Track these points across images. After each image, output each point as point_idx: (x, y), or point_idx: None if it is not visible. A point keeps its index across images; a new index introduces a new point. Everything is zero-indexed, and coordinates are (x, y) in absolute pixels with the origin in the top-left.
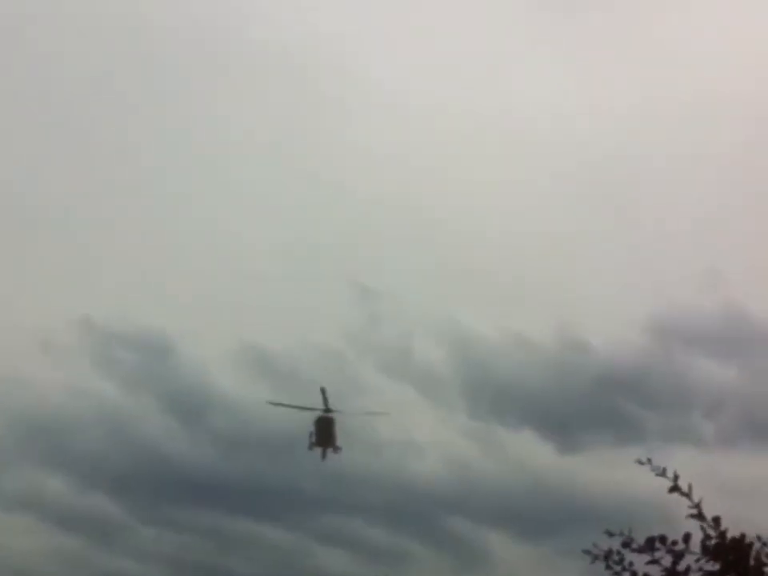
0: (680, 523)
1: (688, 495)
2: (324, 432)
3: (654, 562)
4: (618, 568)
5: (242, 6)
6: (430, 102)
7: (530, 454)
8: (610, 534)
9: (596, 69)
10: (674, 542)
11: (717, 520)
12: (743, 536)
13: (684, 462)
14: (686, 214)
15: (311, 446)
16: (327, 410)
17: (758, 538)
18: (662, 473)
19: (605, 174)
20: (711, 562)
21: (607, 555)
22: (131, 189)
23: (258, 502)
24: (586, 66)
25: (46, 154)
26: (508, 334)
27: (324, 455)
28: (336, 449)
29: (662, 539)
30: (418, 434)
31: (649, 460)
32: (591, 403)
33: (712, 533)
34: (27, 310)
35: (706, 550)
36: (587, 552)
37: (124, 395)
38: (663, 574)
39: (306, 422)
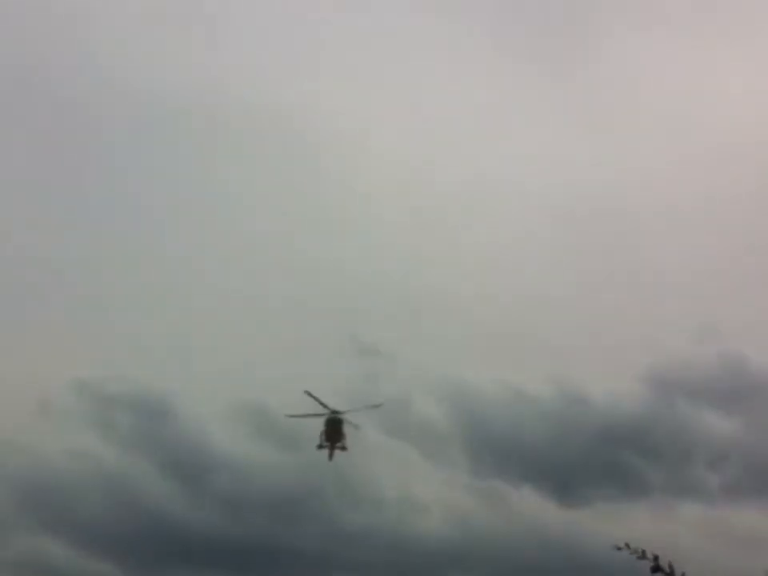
0: None
1: (671, 573)
2: (333, 430)
3: None
4: None
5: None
6: (427, 162)
7: (532, 509)
8: None
9: (589, 123)
10: None
11: None
12: None
13: (689, 514)
14: (683, 268)
15: (320, 446)
16: (336, 411)
17: None
18: (642, 555)
19: (602, 228)
20: None
21: None
22: (128, 252)
23: (262, 561)
24: (580, 120)
25: (42, 218)
26: (507, 390)
27: (331, 455)
28: (343, 448)
29: None
30: (419, 491)
31: (627, 545)
32: (593, 457)
33: None
34: (24, 374)
35: None
36: None
37: (123, 457)
38: None
39: (308, 481)
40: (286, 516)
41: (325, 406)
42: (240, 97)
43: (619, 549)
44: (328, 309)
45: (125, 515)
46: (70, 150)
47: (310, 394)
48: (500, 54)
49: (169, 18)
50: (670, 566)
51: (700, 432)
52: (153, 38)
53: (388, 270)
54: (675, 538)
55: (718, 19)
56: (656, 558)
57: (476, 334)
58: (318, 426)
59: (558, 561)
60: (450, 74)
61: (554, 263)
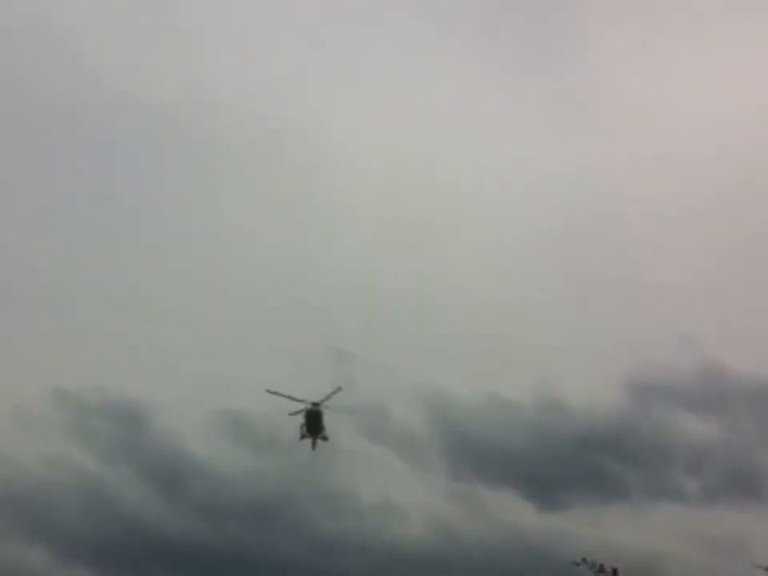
0: None
1: None
2: (313, 423)
3: None
4: None
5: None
6: (412, 167)
7: (511, 513)
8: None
9: (568, 130)
10: None
11: None
12: None
13: (667, 517)
14: (662, 275)
15: (302, 437)
16: (315, 404)
17: None
18: (600, 569)
19: (581, 238)
20: None
21: None
22: (106, 261)
23: (240, 569)
24: (560, 127)
25: (23, 226)
26: (486, 395)
27: (314, 445)
28: (324, 438)
29: None
30: (398, 497)
31: (584, 560)
32: (571, 461)
33: None
34: (1, 382)
35: None
36: None
37: (101, 466)
38: None
39: (286, 488)
40: (264, 523)
41: (293, 399)
42: (232, 102)
43: (577, 564)
44: (305, 315)
45: (103, 523)
46: (64, 159)
47: (273, 392)
48: (495, 58)
49: (160, 27)
50: None
51: (678, 436)
52: (146, 47)
53: (366, 275)
54: (653, 541)
55: (713, 18)
56: (615, 570)
57: (454, 339)
58: (297, 418)
59: (537, 565)
60: (442, 77)
61: (533, 270)
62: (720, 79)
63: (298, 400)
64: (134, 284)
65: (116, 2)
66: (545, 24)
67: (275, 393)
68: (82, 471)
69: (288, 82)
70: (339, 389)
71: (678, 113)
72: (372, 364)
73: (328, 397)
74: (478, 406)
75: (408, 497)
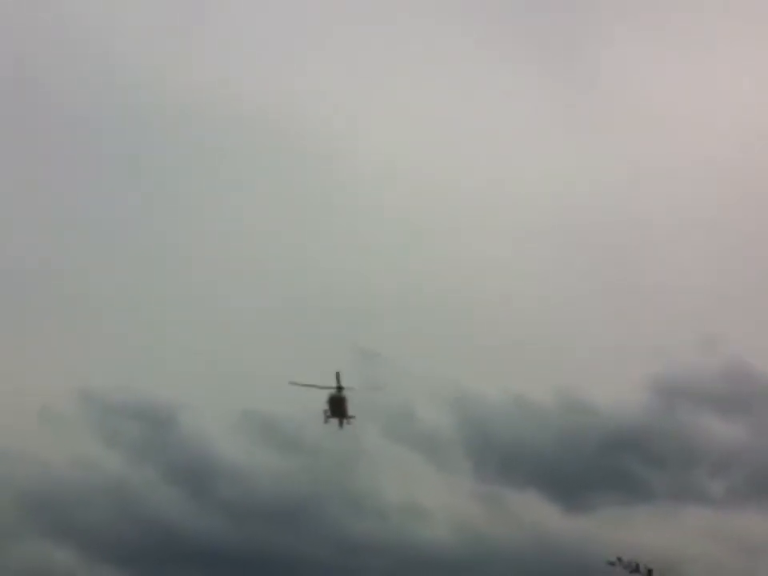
0: None
1: None
2: (336, 408)
3: None
4: None
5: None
6: (432, 169)
7: (537, 515)
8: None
9: (592, 136)
10: None
11: None
12: None
13: (693, 519)
14: (687, 275)
15: (326, 420)
16: (339, 388)
17: None
18: (635, 569)
19: (606, 238)
20: None
21: None
22: (132, 262)
23: (265, 569)
24: (585, 126)
25: (45, 225)
26: (511, 397)
27: (341, 424)
28: (349, 419)
29: None
30: (423, 498)
31: (619, 559)
32: (596, 463)
33: None
34: (28, 383)
35: None
36: None
37: (128, 466)
38: None
39: (312, 488)
40: (289, 524)
41: (316, 387)
42: (241, 99)
43: (612, 564)
44: (330, 316)
45: (129, 523)
46: (71, 157)
47: (296, 383)
48: (501, 61)
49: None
50: None
51: (704, 438)
52: (158, 47)
53: (391, 276)
54: (680, 543)
55: (727, 25)
56: (650, 571)
57: (480, 340)
58: (321, 398)
59: (563, 567)
60: (450, 80)
61: (558, 270)
62: (734, 84)
63: (321, 387)
64: (160, 285)
65: (131, 6)
66: (554, 26)
67: (298, 384)
68: (108, 472)
69: (303, 84)
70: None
71: (692, 117)
72: (398, 365)
73: (338, 379)
74: (504, 408)
75: (433, 498)
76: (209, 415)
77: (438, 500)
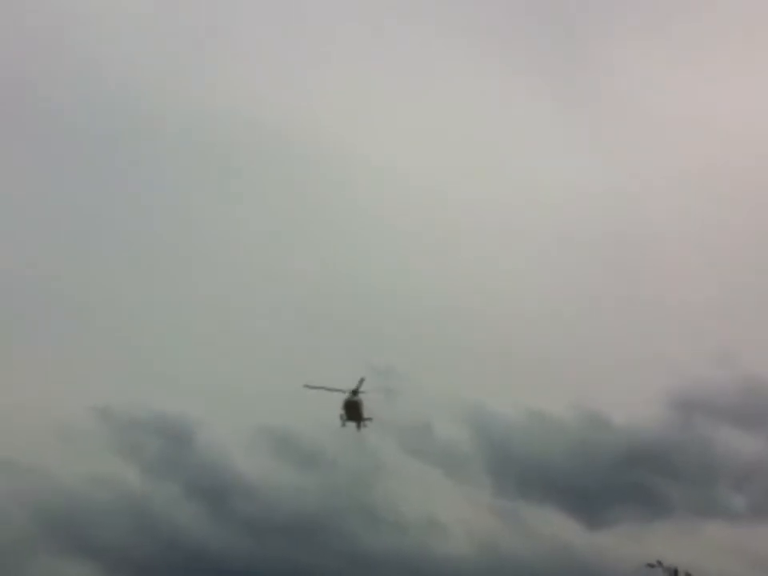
0: None
1: None
2: (352, 412)
3: None
4: None
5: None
6: (445, 184)
7: (556, 530)
8: None
9: (604, 144)
10: None
11: None
12: None
13: (714, 534)
14: (702, 290)
15: (343, 423)
16: (355, 392)
17: None
18: (674, 573)
19: (622, 252)
20: None
21: None
22: (149, 279)
23: None
24: (596, 141)
25: (62, 244)
26: (528, 412)
27: (358, 427)
28: (365, 421)
29: None
30: (441, 513)
31: (659, 562)
32: (616, 478)
33: None
34: (46, 400)
35: None
36: None
37: (146, 482)
38: None
39: (330, 503)
40: (308, 539)
41: (331, 390)
42: (248, 116)
43: (652, 566)
44: (348, 332)
45: (147, 539)
46: (81, 172)
47: (311, 386)
48: (512, 76)
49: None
50: None
51: (723, 452)
52: (172, 62)
53: (408, 292)
54: (700, 558)
55: (742, 36)
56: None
57: (497, 356)
58: (337, 400)
59: None
60: (473, 94)
61: (574, 286)
62: (749, 96)
63: (336, 390)
64: (177, 303)
65: (144, 21)
66: (576, 42)
67: (313, 387)
68: (127, 488)
69: (318, 100)
70: (363, 379)
71: (702, 124)
72: (415, 381)
73: (359, 386)
74: (521, 423)
75: (451, 513)
76: (227, 431)
77: (456, 515)
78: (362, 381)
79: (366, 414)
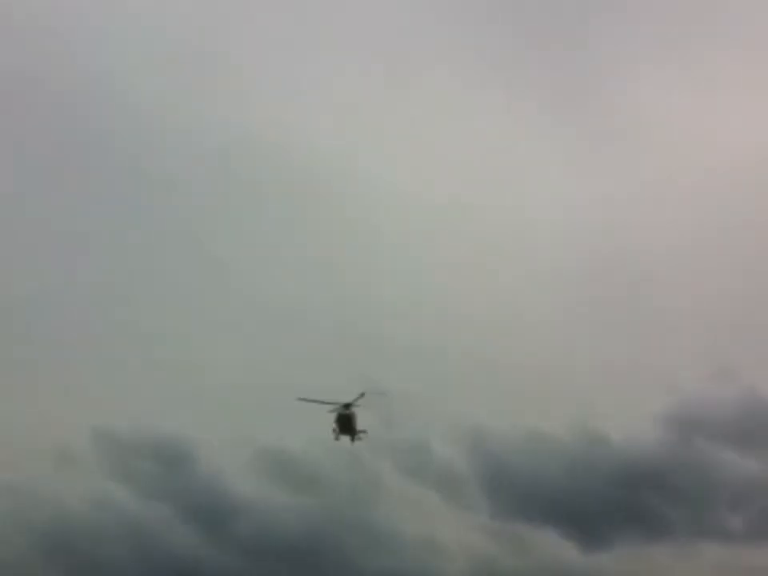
0: None
1: None
2: (345, 425)
3: None
4: None
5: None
6: (438, 202)
7: (554, 551)
8: None
9: (598, 163)
10: None
11: None
12: None
13: (712, 555)
14: (698, 308)
15: (337, 437)
16: (347, 405)
17: None
18: None
19: (618, 270)
20: None
21: None
22: (146, 300)
23: None
24: (590, 160)
25: (56, 263)
26: (525, 431)
27: (352, 440)
28: (359, 434)
29: None
30: (439, 534)
31: None
32: (613, 498)
33: None
34: (43, 423)
35: None
36: None
37: (145, 505)
38: None
39: (329, 525)
40: (306, 560)
41: (324, 403)
42: (254, 138)
43: None
44: (343, 353)
45: (145, 560)
46: (94, 195)
47: (304, 399)
48: (516, 95)
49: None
50: None
51: (721, 472)
52: (183, 83)
53: (403, 312)
54: None
55: (745, 55)
56: None
57: (494, 375)
58: (329, 416)
59: None
60: (477, 114)
61: (570, 305)
62: (754, 113)
63: (329, 403)
64: (173, 323)
65: (153, 42)
66: (578, 63)
67: (307, 400)
68: (123, 509)
69: (327, 119)
70: (363, 394)
71: (711, 146)
72: (411, 401)
73: (356, 399)
74: (519, 443)
75: (449, 534)
76: (224, 453)
77: (454, 536)
78: (361, 395)
79: (359, 427)
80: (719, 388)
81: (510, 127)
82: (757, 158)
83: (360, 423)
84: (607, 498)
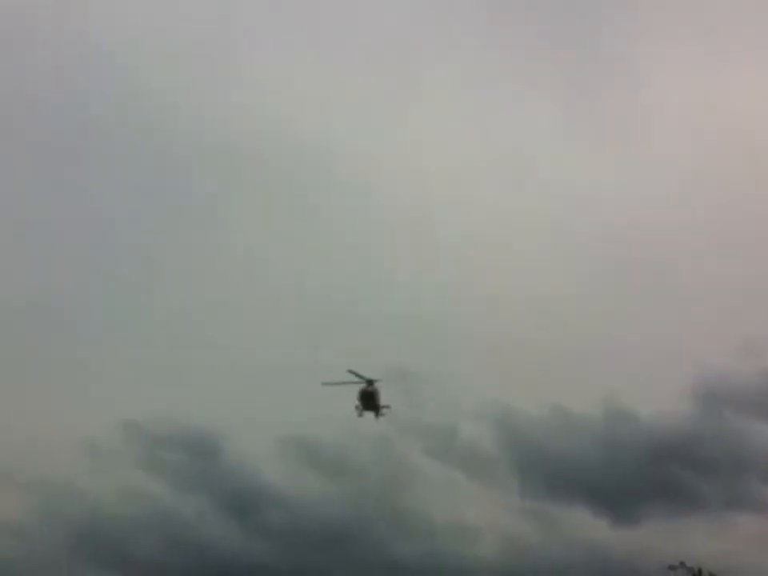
0: None
1: None
2: (368, 401)
3: None
4: None
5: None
6: (466, 193)
7: (585, 529)
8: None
9: (618, 140)
10: None
11: None
12: None
13: (745, 527)
14: (723, 282)
15: (360, 414)
16: (370, 381)
17: None
18: (698, 573)
19: (642, 247)
20: None
21: None
22: (174, 295)
23: None
24: (610, 138)
25: (90, 269)
26: (553, 409)
27: (376, 416)
28: (382, 409)
29: None
30: (470, 516)
31: (682, 564)
32: (643, 474)
33: None
34: (72, 417)
35: None
36: None
37: (175, 496)
38: None
39: (359, 510)
40: (337, 547)
41: (349, 383)
42: (259, 132)
43: (673, 568)
44: (368, 337)
45: (177, 552)
46: (95, 194)
47: (352, 372)
48: (527, 89)
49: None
50: None
51: (751, 444)
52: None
53: (427, 294)
54: (732, 552)
55: (732, 31)
56: None
57: (518, 354)
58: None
59: None
60: (494, 106)
61: (595, 283)
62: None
63: (354, 382)
64: (199, 316)
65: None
66: (598, 52)
67: (331, 383)
68: (155, 502)
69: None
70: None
71: (724, 139)
72: (437, 383)
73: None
74: (546, 421)
75: (480, 516)
76: (253, 442)
77: (484, 517)
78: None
79: (382, 402)
80: (745, 361)
81: (520, 124)
82: None
83: (384, 400)
84: (636, 474)
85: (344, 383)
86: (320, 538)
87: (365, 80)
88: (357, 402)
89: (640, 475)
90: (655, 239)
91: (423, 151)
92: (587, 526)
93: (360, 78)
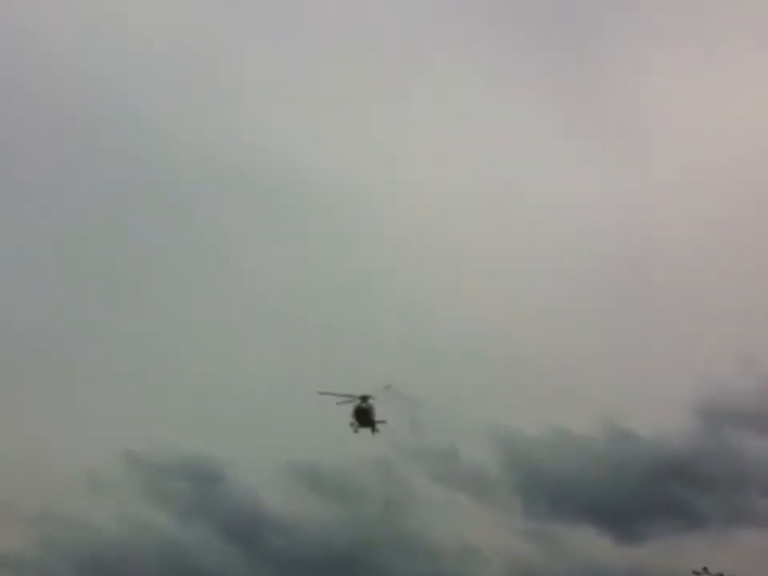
0: None
1: None
2: (363, 418)
3: None
4: None
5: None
6: (466, 206)
7: (589, 548)
8: None
9: (621, 152)
10: None
11: None
12: None
13: (748, 542)
14: (721, 298)
15: (356, 430)
16: (364, 398)
17: None
18: None
19: (641, 267)
20: None
21: None
22: (173, 323)
23: None
24: (611, 149)
25: (90, 298)
26: (554, 430)
27: (373, 431)
28: (379, 424)
29: None
30: (474, 539)
31: (705, 569)
32: (645, 492)
33: None
34: (75, 448)
35: None
36: None
37: (177, 525)
38: None
39: (362, 535)
40: (342, 571)
41: (345, 396)
42: (265, 149)
43: (697, 574)
44: (368, 362)
45: None
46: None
47: (325, 393)
48: (529, 93)
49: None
50: None
51: (751, 459)
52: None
53: (427, 317)
54: (735, 567)
55: (732, 34)
56: None
57: (519, 376)
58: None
59: None
60: (497, 110)
61: (595, 300)
62: (759, 105)
63: (350, 396)
64: (199, 345)
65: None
66: (590, 59)
67: (327, 393)
68: (159, 532)
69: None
70: (389, 386)
71: (725, 138)
72: (438, 407)
73: (386, 389)
74: (548, 442)
75: (483, 538)
76: (255, 469)
77: (488, 539)
78: (387, 387)
79: (377, 418)
80: (746, 377)
81: (522, 125)
82: None
83: (379, 415)
84: (639, 492)
85: (338, 395)
86: (323, 562)
87: (364, 91)
88: (351, 419)
89: (642, 493)
90: (656, 256)
91: (424, 155)
92: (591, 546)
93: (359, 89)
